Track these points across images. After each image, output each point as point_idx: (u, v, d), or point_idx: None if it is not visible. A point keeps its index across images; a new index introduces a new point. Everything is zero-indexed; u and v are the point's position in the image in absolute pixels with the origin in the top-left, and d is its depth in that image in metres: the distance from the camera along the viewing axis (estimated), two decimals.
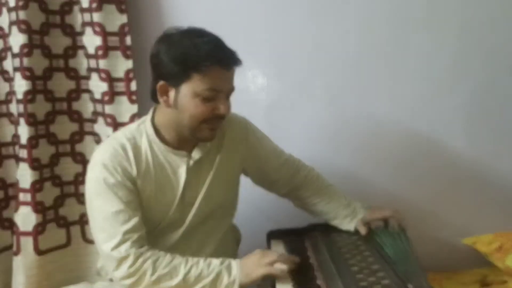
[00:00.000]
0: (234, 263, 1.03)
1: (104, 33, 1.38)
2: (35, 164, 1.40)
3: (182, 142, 1.11)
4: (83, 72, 1.47)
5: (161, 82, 1.03)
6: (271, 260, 1.02)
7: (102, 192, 1.04)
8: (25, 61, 1.36)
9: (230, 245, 1.31)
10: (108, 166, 1.04)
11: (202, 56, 0.98)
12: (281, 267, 1.02)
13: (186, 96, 1.02)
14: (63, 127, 1.48)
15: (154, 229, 1.11)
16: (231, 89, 1.07)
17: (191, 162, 1.12)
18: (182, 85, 1.01)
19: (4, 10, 1.41)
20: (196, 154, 1.12)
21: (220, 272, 1.00)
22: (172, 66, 1.00)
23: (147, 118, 1.13)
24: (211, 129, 1.07)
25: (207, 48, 0.99)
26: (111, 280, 1.19)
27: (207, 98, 1.01)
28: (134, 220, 1.03)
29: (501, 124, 1.62)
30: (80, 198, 1.52)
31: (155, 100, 1.09)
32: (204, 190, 1.14)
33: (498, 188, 1.66)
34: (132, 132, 1.11)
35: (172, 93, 1.03)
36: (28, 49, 1.36)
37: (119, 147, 1.07)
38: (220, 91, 1.03)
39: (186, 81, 1.00)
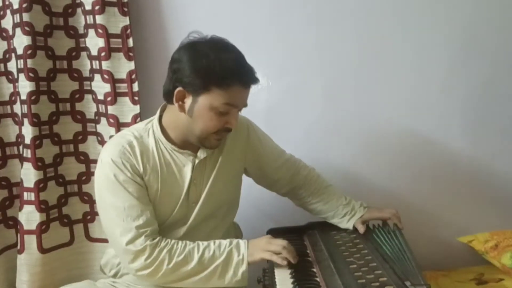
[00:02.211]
0: (242, 242, 1.09)
1: (107, 35, 1.39)
2: (39, 163, 1.42)
3: (187, 143, 1.13)
4: (86, 73, 1.48)
5: (179, 88, 1.04)
6: (275, 250, 1.08)
7: (113, 188, 1.06)
8: (29, 62, 1.38)
9: None
10: (118, 162, 1.07)
11: (226, 73, 1.00)
12: (278, 260, 1.07)
13: (202, 107, 1.04)
14: (67, 128, 1.50)
15: (159, 227, 1.12)
16: (245, 105, 1.10)
17: (197, 161, 1.14)
18: (200, 96, 1.03)
19: (8, 12, 1.42)
20: (201, 154, 1.14)
21: (231, 251, 1.07)
22: (194, 77, 1.01)
23: (155, 117, 1.15)
24: (218, 140, 1.10)
25: (231, 65, 1.01)
26: (114, 276, 1.22)
27: (222, 112, 1.04)
28: (146, 214, 1.06)
29: (498, 124, 1.64)
30: (83, 197, 1.53)
31: (167, 99, 1.10)
32: (207, 189, 1.16)
33: (495, 187, 1.67)
34: (139, 130, 1.14)
35: (188, 100, 1.05)
36: (32, 50, 1.38)
37: (127, 145, 1.09)
38: (236, 107, 1.06)
39: (205, 93, 1.02)
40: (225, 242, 1.09)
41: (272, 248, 1.08)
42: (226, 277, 1.05)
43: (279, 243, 1.09)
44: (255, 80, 1.06)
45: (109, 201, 1.07)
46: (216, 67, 1.00)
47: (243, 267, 1.05)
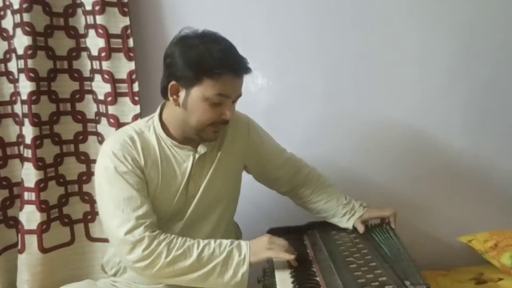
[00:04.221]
0: (243, 243, 1.08)
1: (107, 35, 1.39)
2: (39, 163, 1.42)
3: (187, 139, 1.14)
4: (86, 73, 1.48)
5: (172, 82, 1.06)
6: (278, 247, 1.08)
7: (113, 179, 1.06)
8: (29, 62, 1.38)
9: None
10: (118, 155, 1.07)
11: (216, 63, 1.01)
12: (285, 256, 1.07)
13: (196, 99, 1.05)
14: (67, 128, 1.50)
15: (157, 221, 1.12)
16: (239, 95, 1.10)
17: (197, 156, 1.14)
18: (193, 88, 1.04)
19: (9, 12, 1.42)
20: (201, 149, 1.15)
21: (231, 251, 1.05)
22: (186, 69, 1.03)
23: (155, 114, 1.16)
24: (215, 132, 1.10)
25: (221, 55, 1.02)
26: (114, 275, 1.22)
27: (215, 103, 1.05)
28: (146, 206, 1.06)
29: (499, 124, 1.64)
30: (84, 197, 1.54)
31: (163, 95, 1.11)
32: (205, 184, 1.16)
33: (495, 187, 1.68)
34: (140, 126, 1.15)
35: (182, 94, 1.06)
36: (32, 50, 1.38)
37: (128, 138, 1.10)
38: (229, 97, 1.06)
39: (198, 85, 1.04)
40: (226, 242, 1.07)
41: (275, 246, 1.08)
42: (225, 277, 1.03)
43: (281, 243, 1.10)
44: (246, 69, 1.07)
45: (108, 192, 1.07)
46: (206, 58, 1.01)
47: (244, 268, 1.03)
